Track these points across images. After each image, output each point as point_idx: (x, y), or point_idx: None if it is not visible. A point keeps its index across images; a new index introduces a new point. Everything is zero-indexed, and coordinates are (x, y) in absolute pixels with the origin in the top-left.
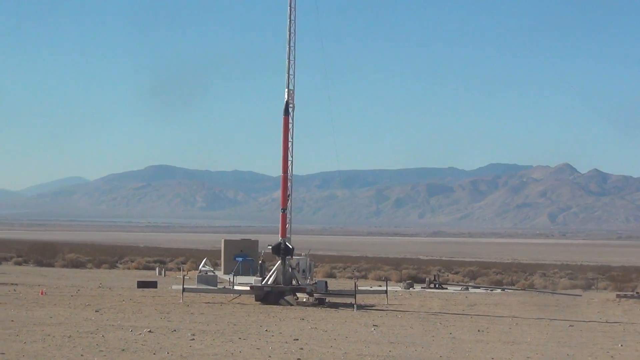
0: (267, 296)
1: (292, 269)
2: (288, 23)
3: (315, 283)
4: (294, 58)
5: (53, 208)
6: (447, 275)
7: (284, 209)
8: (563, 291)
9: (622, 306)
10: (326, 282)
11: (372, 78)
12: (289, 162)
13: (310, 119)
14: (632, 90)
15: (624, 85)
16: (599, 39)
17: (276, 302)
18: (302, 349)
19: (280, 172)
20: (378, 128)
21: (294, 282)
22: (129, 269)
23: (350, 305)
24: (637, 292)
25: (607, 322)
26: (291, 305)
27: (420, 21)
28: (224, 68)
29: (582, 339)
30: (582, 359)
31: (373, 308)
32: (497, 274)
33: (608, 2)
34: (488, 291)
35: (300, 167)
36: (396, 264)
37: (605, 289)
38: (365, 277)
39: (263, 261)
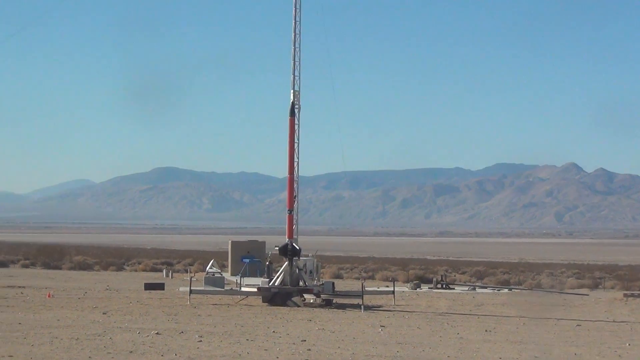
0: (275, 297)
1: (299, 270)
2: (293, 24)
3: (323, 284)
4: (299, 59)
5: (59, 211)
6: (454, 276)
7: (290, 210)
8: (570, 290)
9: (630, 305)
10: (333, 283)
11: (378, 78)
12: (295, 163)
13: (316, 120)
14: (637, 89)
15: (630, 84)
16: (603, 38)
17: (283, 304)
18: (309, 350)
19: (286, 174)
20: (384, 128)
21: (301, 283)
22: (136, 271)
23: (358, 306)
24: None
25: (614, 321)
26: (298, 306)
27: (426, 21)
28: (230, 70)
29: (590, 339)
30: (589, 358)
31: (380, 309)
32: (504, 274)
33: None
34: (495, 291)
35: (306, 168)
36: (403, 264)
37: (612, 288)
38: (372, 277)
39: (270, 262)
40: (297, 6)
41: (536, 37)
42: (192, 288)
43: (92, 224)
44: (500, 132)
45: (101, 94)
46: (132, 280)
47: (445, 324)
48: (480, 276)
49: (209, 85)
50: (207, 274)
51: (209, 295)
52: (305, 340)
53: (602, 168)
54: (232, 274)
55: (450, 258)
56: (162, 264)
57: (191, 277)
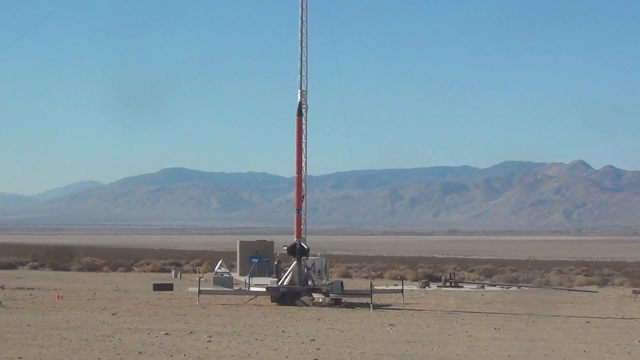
0: (283, 297)
1: (308, 269)
2: (300, 24)
3: (331, 283)
4: (307, 59)
5: (68, 212)
6: (463, 274)
7: (298, 210)
8: (579, 288)
9: (639, 302)
10: (342, 282)
11: (385, 77)
12: (303, 163)
13: (324, 119)
14: None
15: (637, 80)
16: (607, 36)
17: (292, 303)
18: (318, 349)
19: (294, 173)
20: (391, 127)
21: (309, 282)
22: (144, 271)
23: (367, 305)
24: None
25: (623, 318)
26: (307, 305)
27: (433, 19)
28: (237, 70)
29: (599, 336)
30: (599, 355)
31: (389, 307)
32: (512, 272)
33: None
34: (504, 289)
35: (314, 167)
36: (412, 263)
37: (621, 285)
38: (381, 276)
39: (279, 262)
40: (304, 6)
41: (541, 35)
42: (200, 288)
43: (100, 225)
44: (508, 129)
45: (109, 95)
46: (141, 281)
47: (454, 322)
48: (488, 274)
49: (216, 86)
50: (215, 274)
51: (217, 296)
52: (314, 340)
53: (610, 165)
54: (241, 274)
55: (459, 256)
56: (171, 264)
57: (200, 278)
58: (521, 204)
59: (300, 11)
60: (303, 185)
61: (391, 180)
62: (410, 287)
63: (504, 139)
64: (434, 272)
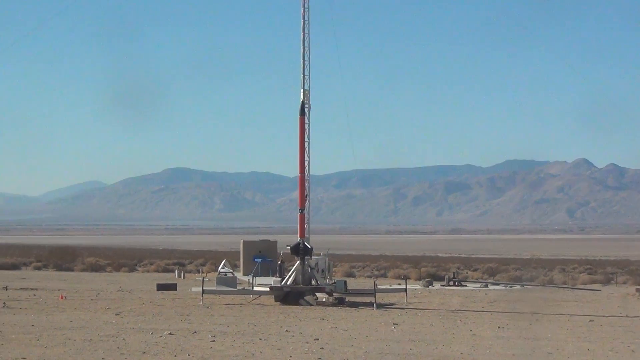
0: (287, 296)
1: (312, 269)
2: (302, 23)
3: (335, 282)
4: (309, 58)
5: (71, 212)
6: (466, 273)
7: (302, 209)
8: (582, 286)
9: None
10: (345, 282)
11: (388, 76)
12: (306, 163)
13: (327, 118)
14: None
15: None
16: (609, 35)
17: (296, 303)
18: (322, 348)
19: (297, 173)
20: (394, 126)
21: (313, 282)
22: (148, 271)
23: (370, 304)
24: None
25: (627, 316)
26: (311, 305)
27: (434, 19)
28: (240, 69)
29: (603, 334)
30: (602, 353)
31: (393, 306)
32: (516, 270)
33: None
34: (508, 287)
35: (317, 167)
36: (415, 262)
37: (624, 283)
38: (384, 275)
39: (282, 262)
40: (306, 6)
41: (543, 33)
42: (204, 288)
43: (104, 225)
44: (511, 128)
45: (112, 95)
46: (145, 281)
47: (457, 321)
48: (492, 273)
49: (219, 86)
50: (219, 274)
51: (221, 295)
52: (318, 339)
53: (613, 163)
54: (245, 274)
55: (462, 255)
56: (174, 264)
57: (203, 277)
58: (524, 203)
59: (302, 10)
60: (306, 184)
61: (394, 180)
62: (413, 286)
63: (507, 138)
64: (437, 271)
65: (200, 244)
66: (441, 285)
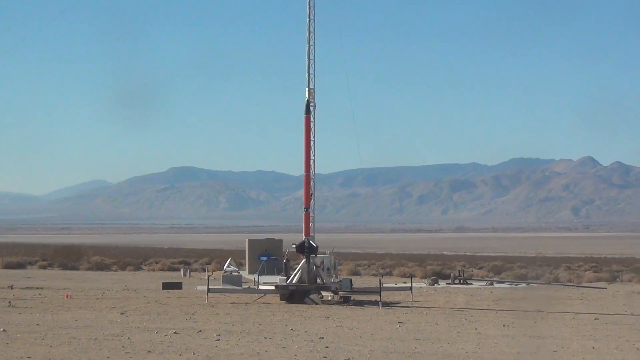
0: (292, 295)
1: (317, 267)
2: (307, 22)
3: (340, 281)
4: (314, 57)
5: (76, 212)
6: (472, 271)
7: (307, 208)
8: (588, 284)
9: None
10: (351, 280)
11: (393, 75)
12: (311, 161)
13: (332, 117)
14: None
15: None
16: (611, 33)
17: (301, 301)
18: (327, 347)
19: (302, 171)
20: (399, 125)
21: (318, 280)
22: (153, 270)
23: (375, 303)
24: None
25: (632, 314)
26: (316, 303)
27: (440, 17)
28: (245, 68)
29: (608, 332)
30: (608, 352)
31: (398, 305)
32: (521, 268)
33: None
34: (513, 285)
35: (322, 165)
36: (420, 260)
37: (630, 281)
38: (389, 274)
39: (287, 260)
40: (311, 4)
41: (547, 32)
42: (209, 287)
43: (108, 224)
44: (516, 126)
45: (117, 94)
46: (150, 279)
47: (463, 320)
48: (497, 271)
49: (224, 84)
50: (224, 272)
51: (226, 294)
52: (323, 338)
53: (618, 161)
54: (250, 273)
55: (468, 253)
56: (180, 263)
57: (209, 276)
58: (529, 201)
59: (307, 9)
60: (311, 183)
61: (399, 178)
62: (419, 284)
63: (512, 136)
64: (442, 269)
65: (205, 243)
66: (446, 284)
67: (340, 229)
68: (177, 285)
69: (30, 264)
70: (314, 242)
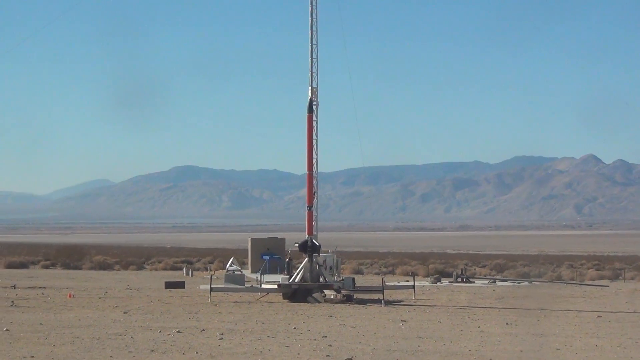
0: (295, 294)
1: (319, 266)
2: (310, 21)
3: (343, 280)
4: (317, 56)
5: (79, 211)
6: (474, 269)
7: (310, 207)
8: (590, 282)
9: None
10: (353, 279)
11: (395, 73)
12: (314, 160)
13: (335, 115)
14: None
15: None
16: (613, 33)
17: (304, 300)
18: (330, 345)
19: (305, 170)
20: (402, 123)
21: (321, 279)
22: (156, 270)
23: (378, 301)
24: None
25: (635, 312)
26: (319, 302)
27: (444, 16)
28: (248, 67)
29: (611, 330)
30: (610, 349)
31: (401, 303)
32: (524, 267)
33: None
34: (515, 284)
35: (325, 164)
36: (423, 258)
37: (632, 279)
38: (392, 272)
39: (290, 259)
40: (314, 4)
41: (550, 30)
42: (212, 286)
43: (111, 223)
44: (518, 124)
45: (119, 94)
46: (153, 279)
47: (466, 318)
48: (500, 269)
49: (227, 84)
50: (227, 271)
51: (229, 293)
52: (326, 336)
53: (620, 159)
54: (253, 271)
55: (470, 252)
56: (182, 262)
57: (211, 275)
58: (532, 199)
59: (310, 8)
60: (314, 182)
61: (402, 176)
62: (421, 282)
63: (514, 134)
64: (445, 267)
65: (208, 242)
66: (449, 282)
67: (343, 228)
68: (180, 285)
69: (33, 263)
70: (316, 241)
